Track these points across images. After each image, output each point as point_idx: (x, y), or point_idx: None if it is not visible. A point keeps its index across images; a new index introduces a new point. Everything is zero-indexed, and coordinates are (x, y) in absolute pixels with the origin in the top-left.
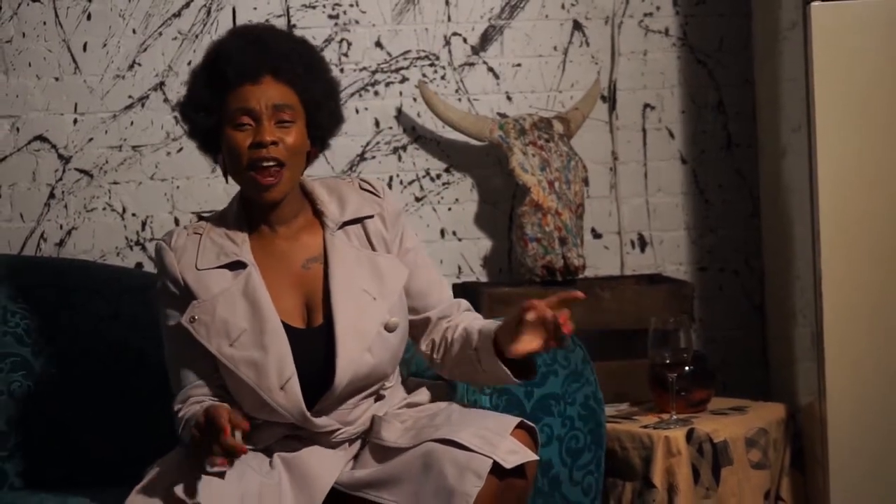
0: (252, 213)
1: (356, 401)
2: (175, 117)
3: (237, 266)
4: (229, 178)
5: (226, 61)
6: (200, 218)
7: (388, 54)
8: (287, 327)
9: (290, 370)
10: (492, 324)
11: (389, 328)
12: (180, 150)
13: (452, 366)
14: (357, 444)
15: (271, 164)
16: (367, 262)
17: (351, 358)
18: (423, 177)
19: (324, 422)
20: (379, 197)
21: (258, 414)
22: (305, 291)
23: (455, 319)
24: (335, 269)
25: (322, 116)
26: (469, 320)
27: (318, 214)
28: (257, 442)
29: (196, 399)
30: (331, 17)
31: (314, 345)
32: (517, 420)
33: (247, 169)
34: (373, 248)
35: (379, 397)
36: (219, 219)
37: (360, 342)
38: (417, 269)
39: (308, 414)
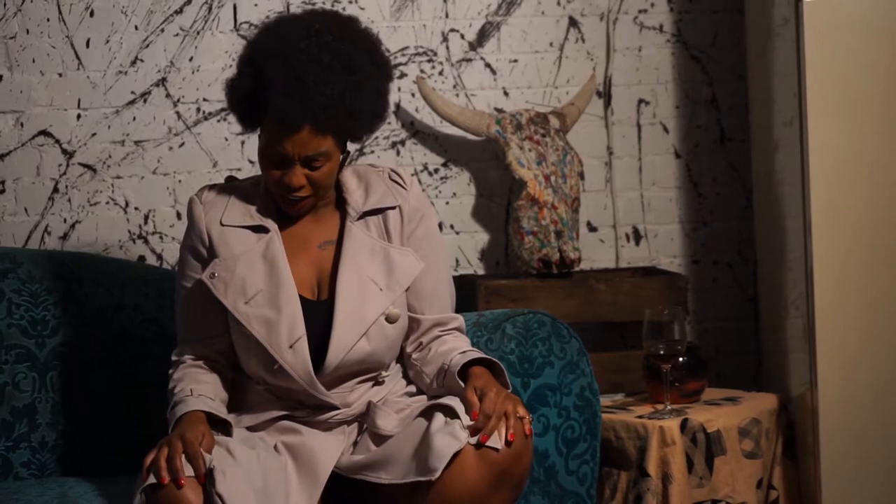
0: None
1: (353, 384)
2: (177, 112)
3: (261, 230)
4: None
5: (269, 100)
6: (233, 178)
7: (387, 50)
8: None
9: (301, 331)
10: (466, 357)
11: (390, 319)
12: (182, 144)
13: (420, 371)
14: (354, 429)
15: (299, 198)
16: (381, 254)
17: (345, 342)
18: (422, 171)
19: (324, 391)
20: (405, 189)
21: (266, 376)
22: (318, 269)
23: (447, 329)
24: (346, 255)
25: (359, 137)
26: (457, 343)
27: (342, 201)
28: (256, 417)
29: (192, 364)
30: None
31: (316, 318)
32: None
33: (278, 196)
34: (389, 240)
35: (378, 383)
36: (251, 183)
37: (357, 328)
38: (427, 272)
39: (314, 376)
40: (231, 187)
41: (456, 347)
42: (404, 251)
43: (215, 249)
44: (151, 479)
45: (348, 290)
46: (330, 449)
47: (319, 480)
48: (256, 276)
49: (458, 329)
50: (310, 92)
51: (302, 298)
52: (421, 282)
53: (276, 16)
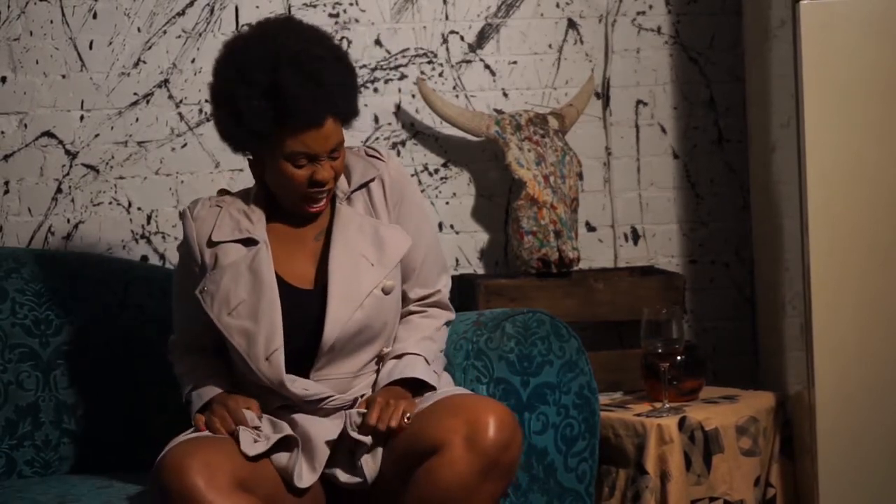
0: (273, 198)
1: (357, 369)
2: (179, 113)
3: (250, 242)
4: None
5: (293, 105)
6: (225, 192)
7: (388, 52)
8: (292, 289)
9: (277, 343)
10: (390, 378)
11: (386, 290)
12: (184, 145)
13: None
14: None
15: (325, 193)
16: (371, 230)
17: (340, 316)
18: (422, 171)
19: (302, 392)
20: (382, 161)
21: (249, 376)
22: (315, 260)
23: (423, 306)
24: (336, 235)
25: (355, 117)
26: (413, 332)
27: None
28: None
29: (194, 351)
30: (331, 15)
31: (314, 303)
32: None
33: (302, 199)
34: (376, 215)
35: (379, 360)
36: (241, 196)
37: (352, 302)
38: (415, 248)
39: (287, 385)
40: (221, 201)
41: (406, 338)
42: (393, 227)
43: (206, 265)
44: (205, 433)
45: (341, 268)
46: (326, 434)
47: (315, 466)
48: (240, 288)
49: (435, 303)
50: (326, 86)
51: (297, 290)
52: (410, 259)
53: (234, 36)
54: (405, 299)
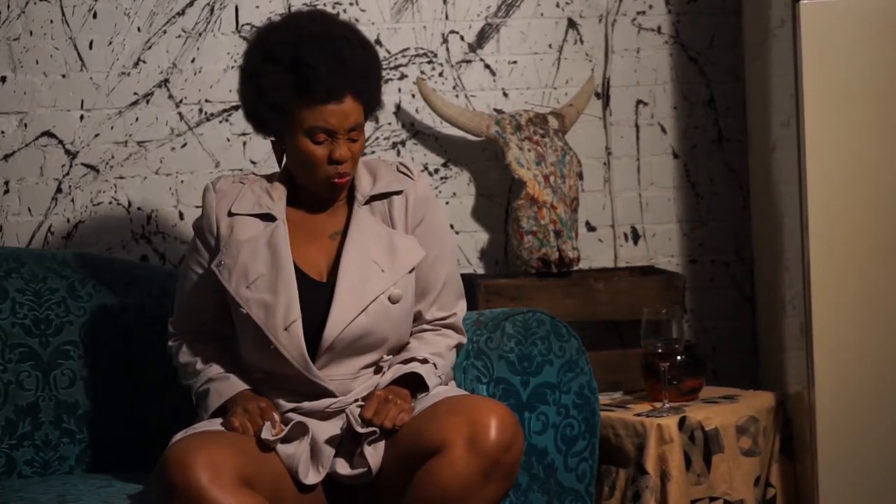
0: (296, 186)
1: (356, 371)
2: (179, 113)
3: (269, 218)
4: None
5: (313, 77)
6: (252, 173)
7: (388, 52)
8: (304, 278)
9: (296, 314)
10: (393, 375)
11: (393, 299)
12: (184, 145)
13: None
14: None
15: (345, 172)
16: (385, 238)
17: (344, 315)
18: (422, 171)
19: (322, 372)
20: (412, 179)
21: (262, 360)
22: (328, 256)
23: (437, 326)
24: (351, 237)
25: (377, 106)
26: (423, 345)
27: (351, 188)
28: None
29: (199, 339)
30: None
31: (322, 298)
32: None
33: (322, 179)
34: (393, 226)
35: (378, 370)
36: (264, 177)
37: (357, 304)
38: (437, 267)
39: (308, 357)
40: (245, 178)
41: (415, 347)
42: (408, 238)
43: (222, 238)
44: (213, 428)
45: (350, 270)
46: (329, 434)
47: (319, 469)
48: (259, 262)
49: (450, 325)
50: (350, 65)
51: (309, 279)
52: (430, 280)
53: (265, 23)
54: (420, 319)
